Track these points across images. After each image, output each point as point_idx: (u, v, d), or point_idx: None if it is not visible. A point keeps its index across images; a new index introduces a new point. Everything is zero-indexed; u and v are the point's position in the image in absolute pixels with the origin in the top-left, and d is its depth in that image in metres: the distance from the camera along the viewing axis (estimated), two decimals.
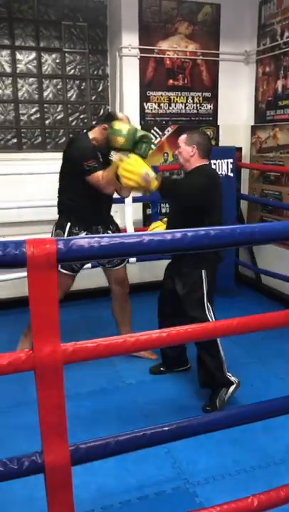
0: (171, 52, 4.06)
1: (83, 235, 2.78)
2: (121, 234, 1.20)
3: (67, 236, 2.72)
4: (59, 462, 1.19)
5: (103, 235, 1.16)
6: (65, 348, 1.16)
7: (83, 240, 1.15)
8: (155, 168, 3.96)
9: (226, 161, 4.02)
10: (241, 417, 1.45)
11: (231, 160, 4.02)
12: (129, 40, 3.88)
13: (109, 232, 2.91)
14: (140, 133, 2.56)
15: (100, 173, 2.61)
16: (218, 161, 4.01)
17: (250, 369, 2.98)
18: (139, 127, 4.04)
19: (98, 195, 2.71)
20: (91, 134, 2.72)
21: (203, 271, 2.54)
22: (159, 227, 2.73)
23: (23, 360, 1.12)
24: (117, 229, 3.00)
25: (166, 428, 1.31)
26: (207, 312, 2.54)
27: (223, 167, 4.02)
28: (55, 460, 1.19)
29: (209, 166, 2.67)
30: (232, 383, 2.59)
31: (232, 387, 2.59)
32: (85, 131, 2.87)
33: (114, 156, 2.50)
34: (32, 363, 1.13)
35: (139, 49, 3.94)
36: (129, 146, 2.49)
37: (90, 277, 3.97)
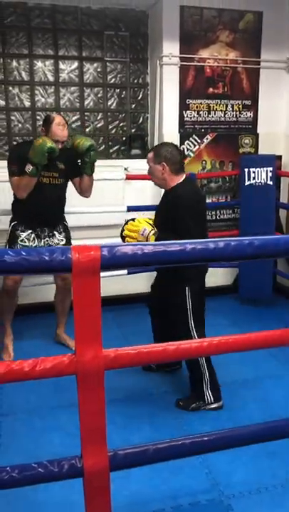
0: (211, 61, 4.06)
1: (27, 233, 3.05)
2: (164, 242, 1.20)
3: (10, 233, 3.06)
4: (98, 467, 1.20)
5: (147, 243, 1.17)
6: (107, 354, 1.17)
7: (127, 247, 1.16)
8: (193, 175, 3.97)
9: (265, 169, 3.97)
10: (282, 430, 1.43)
11: (271, 168, 3.96)
12: (170, 49, 3.91)
13: (56, 233, 3.13)
14: (88, 142, 2.95)
15: (14, 178, 2.89)
16: (257, 169, 3.96)
17: (286, 381, 2.91)
18: (177, 135, 4.07)
19: (39, 198, 2.93)
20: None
21: (186, 287, 2.49)
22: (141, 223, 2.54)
23: (65, 365, 1.14)
24: (65, 233, 3.19)
25: (206, 438, 1.30)
26: (192, 331, 2.51)
27: (262, 175, 3.97)
28: (94, 465, 1.20)
29: (185, 184, 2.51)
30: (207, 402, 2.59)
31: (211, 406, 2.60)
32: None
33: (26, 166, 2.79)
34: (74, 368, 1.15)
35: (180, 57, 3.95)
36: (37, 159, 2.76)
37: (124, 283, 4.00)
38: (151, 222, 2.52)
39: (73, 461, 1.20)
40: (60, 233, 3.15)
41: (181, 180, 2.51)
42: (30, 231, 3.06)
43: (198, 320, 2.53)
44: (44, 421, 2.50)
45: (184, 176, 2.53)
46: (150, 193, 4.19)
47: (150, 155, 2.52)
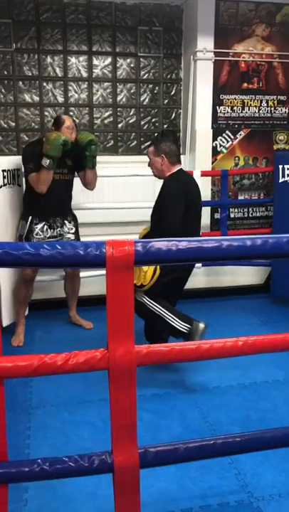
0: (246, 55, 3.99)
1: (41, 225, 3.23)
2: (200, 238, 1.18)
3: (29, 226, 3.22)
4: (128, 463, 1.19)
5: (182, 239, 1.15)
6: (139, 350, 1.16)
7: (161, 242, 1.14)
8: (225, 172, 3.91)
9: None
10: None
11: None
12: (204, 44, 3.86)
13: (66, 223, 3.34)
14: (89, 137, 3.13)
15: (33, 174, 3.07)
16: None
17: None
18: (210, 131, 4.01)
19: (52, 193, 3.12)
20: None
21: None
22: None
23: (98, 359, 1.14)
24: (74, 222, 3.41)
25: (238, 439, 1.27)
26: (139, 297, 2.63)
27: None
28: (125, 461, 1.19)
29: (180, 172, 2.76)
30: (183, 332, 2.63)
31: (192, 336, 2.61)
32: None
33: (43, 160, 2.97)
34: (106, 363, 1.14)
35: (214, 52, 3.90)
36: (53, 153, 2.94)
37: None
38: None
39: (103, 456, 1.20)
40: (69, 222, 3.37)
41: (174, 171, 2.73)
42: (43, 223, 3.25)
43: (156, 296, 2.65)
44: (73, 415, 2.52)
45: (177, 167, 2.75)
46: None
47: (151, 149, 2.76)
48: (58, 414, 2.53)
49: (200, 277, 4.23)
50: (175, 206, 2.59)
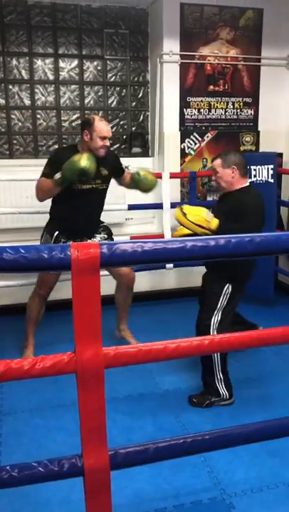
0: (212, 58, 4.04)
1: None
2: (164, 239, 1.19)
3: (54, 243, 2.88)
4: (98, 466, 1.19)
5: (146, 240, 1.16)
6: (107, 352, 1.16)
7: (127, 244, 1.15)
8: (194, 174, 3.96)
9: (266, 167, 3.95)
10: (283, 429, 1.42)
11: (272, 166, 3.95)
12: (170, 47, 3.89)
13: (96, 236, 3.04)
14: (153, 182, 3.08)
15: (42, 178, 2.80)
16: (259, 167, 3.95)
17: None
18: (178, 133, 4.06)
19: (83, 207, 2.87)
20: (79, 145, 2.89)
21: (228, 284, 2.56)
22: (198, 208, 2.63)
23: (65, 363, 1.14)
24: (106, 231, 3.10)
25: (207, 436, 1.29)
26: (212, 322, 2.54)
27: (263, 173, 3.95)
28: (95, 464, 1.19)
29: (250, 189, 2.66)
30: (221, 398, 2.61)
31: (224, 402, 2.62)
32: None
33: (57, 174, 2.69)
34: (74, 366, 1.14)
35: (180, 55, 3.94)
36: (64, 172, 2.66)
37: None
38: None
39: (73, 460, 1.20)
40: (99, 233, 3.07)
41: (247, 184, 2.65)
42: (70, 242, 2.90)
43: (222, 321, 2.55)
44: (46, 420, 2.50)
45: (248, 181, 2.67)
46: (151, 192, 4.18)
47: (218, 161, 2.63)
48: (30, 419, 2.51)
49: (172, 278, 4.26)
50: (254, 224, 2.47)
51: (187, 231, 2.62)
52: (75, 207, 2.86)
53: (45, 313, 3.20)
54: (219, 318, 2.55)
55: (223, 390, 2.60)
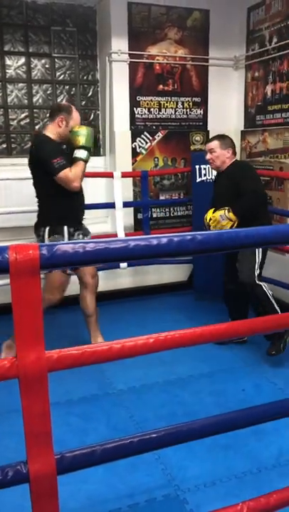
0: (160, 58, 4.07)
1: (80, 236, 2.89)
2: (107, 239, 1.18)
3: (68, 240, 2.79)
4: (44, 471, 1.17)
5: (88, 240, 1.15)
6: (50, 356, 1.14)
7: (67, 245, 1.13)
8: (145, 173, 3.97)
9: None
10: (233, 423, 1.44)
11: None
12: (119, 46, 3.89)
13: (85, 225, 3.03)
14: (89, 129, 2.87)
15: (67, 170, 2.70)
16: (208, 166, 4.00)
17: (241, 373, 2.97)
18: (128, 132, 4.06)
19: (75, 193, 2.82)
20: (50, 133, 2.80)
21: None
22: (212, 214, 3.09)
23: (6, 368, 1.11)
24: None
25: (154, 435, 1.29)
26: (256, 277, 2.99)
27: (213, 172, 4.02)
28: (40, 469, 1.17)
29: (239, 161, 3.33)
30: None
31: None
32: (42, 132, 2.92)
33: (79, 153, 2.75)
34: (16, 371, 1.11)
35: (129, 54, 3.94)
36: (89, 144, 2.77)
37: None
38: (212, 211, 3.08)
39: (18, 466, 1.17)
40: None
41: (235, 159, 3.16)
42: (79, 232, 2.92)
43: (260, 274, 3.05)
44: None
45: (235, 157, 3.18)
46: (103, 191, 4.17)
47: (215, 143, 3.09)
48: None
49: (126, 277, 4.26)
50: (256, 181, 3.05)
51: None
52: (76, 196, 2.86)
53: None
54: (258, 272, 3.01)
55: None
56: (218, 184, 3.21)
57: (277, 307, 2.95)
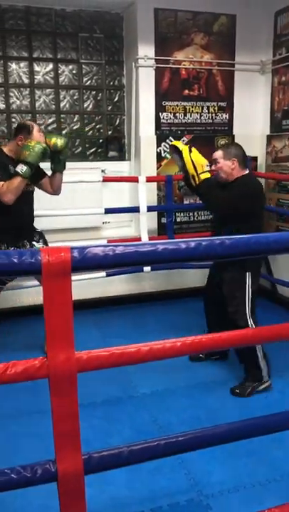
0: (186, 63, 4.08)
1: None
2: (136, 242, 1.20)
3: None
4: (72, 471, 1.19)
5: (118, 244, 1.17)
6: (79, 356, 1.16)
7: (98, 248, 1.15)
8: (170, 177, 3.98)
9: None
10: (257, 429, 1.44)
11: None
12: (145, 51, 3.92)
13: (35, 244, 3.00)
14: (63, 139, 2.91)
15: (1, 183, 2.72)
16: None
17: None
18: (154, 137, 4.07)
19: (20, 208, 2.83)
20: (8, 148, 2.86)
21: (247, 273, 2.71)
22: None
23: (37, 368, 1.13)
24: (43, 239, 3.09)
25: (181, 438, 1.30)
26: (248, 315, 2.72)
27: None
28: (68, 468, 1.19)
29: (250, 175, 2.84)
30: (261, 381, 2.75)
31: (262, 386, 2.76)
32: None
33: (18, 167, 2.71)
34: (46, 371, 1.13)
35: (155, 60, 3.97)
36: (33, 159, 2.70)
37: (103, 285, 3.99)
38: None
39: (47, 465, 1.19)
40: (38, 242, 3.04)
41: (246, 173, 2.81)
42: (12, 249, 2.88)
43: (252, 309, 2.75)
44: (20, 426, 2.47)
45: (247, 171, 2.83)
46: (127, 195, 4.21)
47: (219, 153, 2.80)
48: (4, 426, 2.47)
49: (149, 281, 4.27)
50: (246, 198, 2.70)
51: (182, 148, 2.77)
52: (14, 211, 2.80)
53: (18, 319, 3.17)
54: (250, 307, 2.73)
55: (265, 368, 2.75)
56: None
57: (260, 355, 2.74)
